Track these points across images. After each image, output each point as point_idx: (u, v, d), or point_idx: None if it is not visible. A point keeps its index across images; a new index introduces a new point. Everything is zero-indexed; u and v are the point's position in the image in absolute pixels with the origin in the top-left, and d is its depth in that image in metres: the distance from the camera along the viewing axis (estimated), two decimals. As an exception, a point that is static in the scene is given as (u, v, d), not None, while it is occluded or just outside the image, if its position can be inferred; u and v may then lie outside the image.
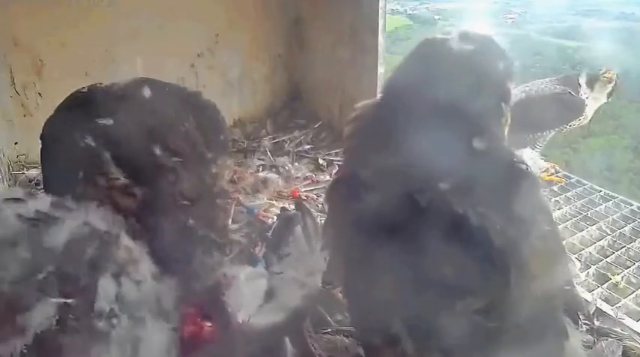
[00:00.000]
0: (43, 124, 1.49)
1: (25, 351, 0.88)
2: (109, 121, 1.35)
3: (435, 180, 1.07)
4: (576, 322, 1.20)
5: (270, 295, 1.54)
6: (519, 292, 1.03)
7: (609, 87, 2.52)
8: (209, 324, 1.37)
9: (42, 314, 0.91)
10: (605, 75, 2.51)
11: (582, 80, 2.53)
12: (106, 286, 0.99)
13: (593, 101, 2.53)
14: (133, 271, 1.07)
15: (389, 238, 1.06)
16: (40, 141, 1.48)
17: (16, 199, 1.09)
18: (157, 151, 1.37)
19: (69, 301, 0.93)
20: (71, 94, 1.51)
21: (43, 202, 1.10)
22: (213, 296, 1.41)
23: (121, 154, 1.34)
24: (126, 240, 1.12)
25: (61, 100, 1.52)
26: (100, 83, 1.52)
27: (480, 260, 1.02)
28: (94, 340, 0.95)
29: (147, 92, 1.45)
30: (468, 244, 1.02)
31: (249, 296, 1.48)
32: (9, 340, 0.88)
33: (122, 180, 1.32)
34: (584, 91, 2.51)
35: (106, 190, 1.31)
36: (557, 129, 2.57)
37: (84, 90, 1.49)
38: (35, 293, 0.92)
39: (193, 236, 1.40)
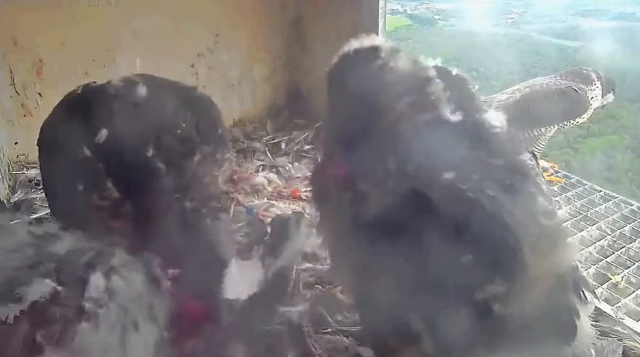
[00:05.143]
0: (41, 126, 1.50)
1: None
2: (104, 131, 1.34)
3: (436, 168, 1.07)
4: (581, 299, 1.20)
5: (263, 284, 1.54)
6: (534, 274, 1.04)
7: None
8: (202, 308, 1.36)
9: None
10: None
11: (595, 77, 2.56)
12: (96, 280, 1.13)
13: (595, 101, 2.55)
14: (124, 274, 1.18)
15: (398, 235, 1.06)
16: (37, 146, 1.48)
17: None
18: (152, 155, 1.35)
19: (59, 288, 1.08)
20: (65, 97, 1.50)
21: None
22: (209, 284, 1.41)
23: (116, 166, 1.33)
24: (123, 254, 1.22)
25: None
26: (94, 82, 1.51)
27: (492, 244, 1.02)
28: (80, 317, 1.08)
29: (141, 93, 1.44)
30: (478, 230, 1.02)
31: (243, 285, 1.48)
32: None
33: (115, 195, 1.31)
34: (595, 87, 2.53)
35: (99, 209, 1.31)
36: (560, 125, 2.57)
37: (78, 92, 1.48)
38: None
39: (196, 236, 1.39)
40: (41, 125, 1.50)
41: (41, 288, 1.06)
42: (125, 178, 1.34)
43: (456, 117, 1.18)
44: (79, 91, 1.47)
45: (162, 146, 1.37)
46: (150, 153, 1.35)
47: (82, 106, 1.43)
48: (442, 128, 1.17)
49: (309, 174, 1.58)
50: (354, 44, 1.29)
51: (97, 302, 1.09)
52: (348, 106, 1.25)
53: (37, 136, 1.50)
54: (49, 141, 1.46)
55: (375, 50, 1.25)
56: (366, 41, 1.28)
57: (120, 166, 1.34)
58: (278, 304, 1.49)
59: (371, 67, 1.23)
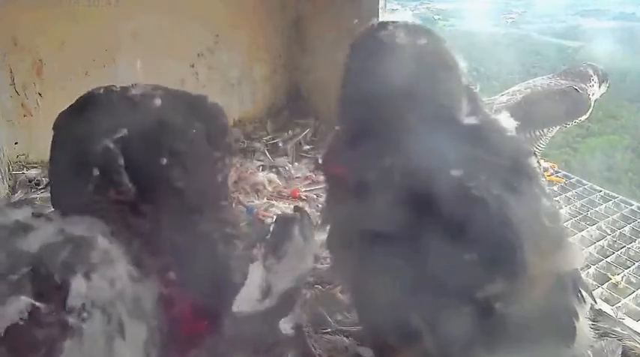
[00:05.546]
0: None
1: None
2: (125, 130, 1.35)
3: (444, 165, 1.07)
4: (579, 300, 1.21)
5: (266, 289, 1.54)
6: (535, 273, 1.04)
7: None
8: (203, 317, 1.36)
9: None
10: None
11: (592, 72, 2.58)
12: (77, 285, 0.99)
13: (594, 96, 2.57)
14: (105, 270, 1.06)
15: (400, 231, 1.06)
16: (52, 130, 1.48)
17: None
18: (167, 160, 1.36)
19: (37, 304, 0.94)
20: (88, 93, 1.51)
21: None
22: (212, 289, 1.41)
23: (134, 165, 1.33)
24: (102, 242, 1.11)
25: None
26: (114, 86, 1.52)
27: (494, 242, 1.02)
28: (64, 335, 0.95)
29: (157, 100, 1.46)
30: (481, 227, 1.02)
31: (245, 290, 1.48)
32: None
33: (132, 191, 1.31)
34: (594, 83, 2.54)
35: (116, 203, 1.31)
36: (562, 125, 2.58)
37: (100, 91, 1.49)
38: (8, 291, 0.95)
39: (210, 238, 1.40)
40: (59, 116, 1.51)
41: (17, 306, 0.92)
42: (142, 178, 1.35)
43: (467, 113, 1.17)
44: (100, 91, 1.49)
45: (176, 155, 1.38)
46: (165, 160, 1.36)
47: (104, 105, 1.44)
48: (451, 123, 1.17)
49: (324, 154, 1.55)
50: (376, 21, 1.27)
51: (79, 313, 0.96)
52: (358, 89, 1.24)
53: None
54: (67, 131, 1.47)
55: (395, 28, 1.22)
56: (388, 19, 1.26)
57: (137, 167, 1.34)
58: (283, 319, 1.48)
59: (387, 47, 1.19)
